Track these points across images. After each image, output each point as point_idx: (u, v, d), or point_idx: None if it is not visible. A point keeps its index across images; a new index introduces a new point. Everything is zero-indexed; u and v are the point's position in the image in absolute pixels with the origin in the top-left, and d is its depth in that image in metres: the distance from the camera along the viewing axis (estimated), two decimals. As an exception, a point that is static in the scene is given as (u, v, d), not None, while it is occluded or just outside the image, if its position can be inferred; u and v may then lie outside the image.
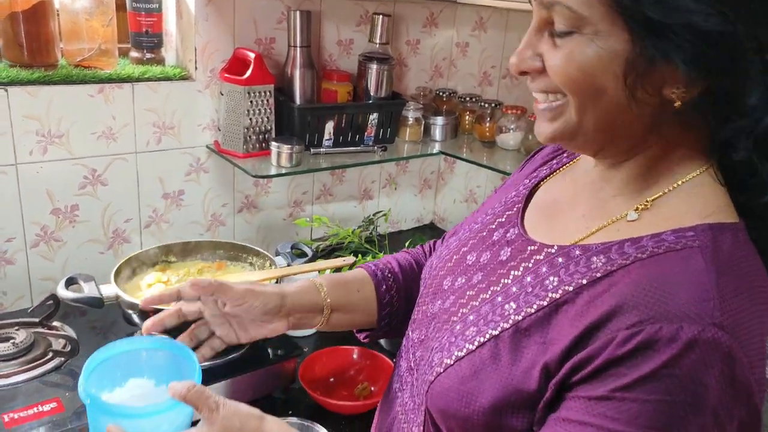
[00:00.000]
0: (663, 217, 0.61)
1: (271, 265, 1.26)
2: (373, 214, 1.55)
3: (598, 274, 0.60)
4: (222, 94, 1.47)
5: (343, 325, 0.92)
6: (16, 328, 1.13)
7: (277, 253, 1.29)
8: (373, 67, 1.63)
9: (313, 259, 1.27)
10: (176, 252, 1.30)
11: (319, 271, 1.30)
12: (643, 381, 0.53)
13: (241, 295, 0.81)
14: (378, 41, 1.64)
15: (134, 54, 1.46)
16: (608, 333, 0.55)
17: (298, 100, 1.54)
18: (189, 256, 1.31)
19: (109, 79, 1.36)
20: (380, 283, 0.92)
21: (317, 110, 1.56)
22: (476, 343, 0.65)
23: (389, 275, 0.93)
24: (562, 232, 0.69)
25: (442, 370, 0.66)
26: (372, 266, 0.95)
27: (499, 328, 0.64)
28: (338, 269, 1.31)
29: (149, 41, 1.45)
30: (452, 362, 0.66)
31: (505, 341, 0.63)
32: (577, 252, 0.64)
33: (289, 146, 1.44)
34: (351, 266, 1.33)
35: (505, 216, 0.77)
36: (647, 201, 0.63)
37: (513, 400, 0.61)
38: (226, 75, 1.44)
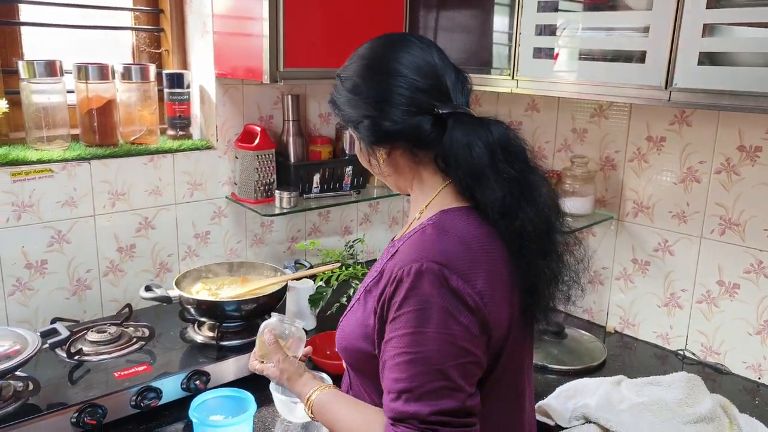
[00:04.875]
0: (427, 214, 1.03)
1: (280, 274, 1.77)
2: (353, 241, 2.07)
3: (396, 251, 1.00)
4: (237, 158, 2.00)
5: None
6: (108, 324, 1.61)
7: (285, 267, 1.80)
8: (347, 132, 2.19)
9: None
10: (213, 270, 1.80)
11: (315, 276, 1.81)
12: (404, 302, 0.89)
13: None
14: (349, 113, 2.21)
15: (170, 132, 2.01)
16: (390, 279, 0.93)
17: (292, 159, 2.08)
18: (221, 273, 1.81)
19: (156, 152, 1.89)
20: None
21: (307, 166, 2.10)
22: (353, 301, 1.08)
23: None
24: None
25: (342, 319, 1.11)
26: None
27: (360, 291, 1.06)
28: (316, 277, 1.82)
29: (181, 122, 2.00)
30: (345, 314, 1.10)
31: (361, 299, 1.04)
32: (395, 242, 1.06)
33: (288, 193, 1.97)
34: (334, 271, 1.84)
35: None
36: (423, 207, 1.05)
37: (364, 331, 0.99)
38: (239, 144, 1.99)
